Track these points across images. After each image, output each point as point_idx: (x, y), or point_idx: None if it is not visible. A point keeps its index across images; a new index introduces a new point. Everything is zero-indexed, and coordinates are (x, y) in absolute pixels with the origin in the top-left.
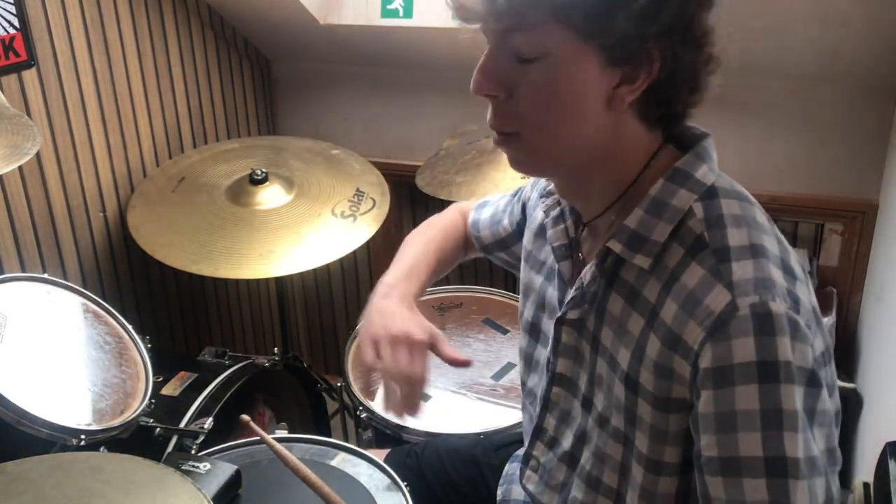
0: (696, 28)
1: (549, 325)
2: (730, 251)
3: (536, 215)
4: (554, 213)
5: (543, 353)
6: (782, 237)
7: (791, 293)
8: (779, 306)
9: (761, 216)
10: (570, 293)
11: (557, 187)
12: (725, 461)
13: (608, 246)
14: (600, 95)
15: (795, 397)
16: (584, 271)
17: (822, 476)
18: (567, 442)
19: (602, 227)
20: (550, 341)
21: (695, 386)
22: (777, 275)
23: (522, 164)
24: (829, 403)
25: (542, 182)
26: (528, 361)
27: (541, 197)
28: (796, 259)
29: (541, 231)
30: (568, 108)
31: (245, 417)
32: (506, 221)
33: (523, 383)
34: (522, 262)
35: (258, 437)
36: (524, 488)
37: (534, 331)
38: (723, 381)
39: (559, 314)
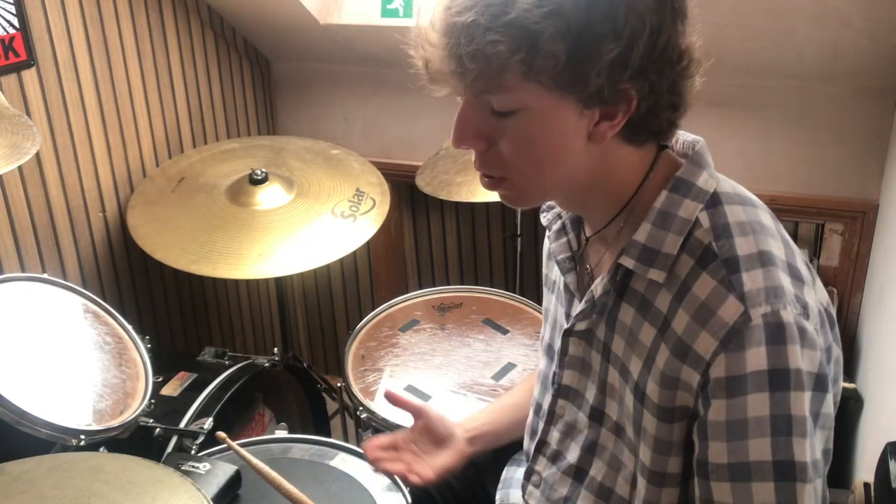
0: (671, 50)
1: (557, 342)
2: (739, 261)
3: (548, 243)
4: (555, 226)
5: (552, 369)
6: (787, 237)
7: (800, 299)
8: (789, 314)
9: (766, 217)
10: (579, 306)
11: (558, 205)
12: (735, 467)
13: (620, 262)
14: (581, 135)
15: (804, 403)
16: (594, 284)
17: (821, 478)
18: (573, 455)
19: (609, 236)
20: (556, 355)
21: (704, 395)
22: (786, 281)
23: (514, 202)
24: (832, 407)
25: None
26: (543, 382)
27: (542, 212)
28: (802, 259)
29: (551, 254)
30: (549, 153)
31: (221, 434)
32: None
33: (539, 405)
34: (546, 293)
35: (258, 438)
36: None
37: (550, 351)
38: (735, 391)
39: (567, 326)
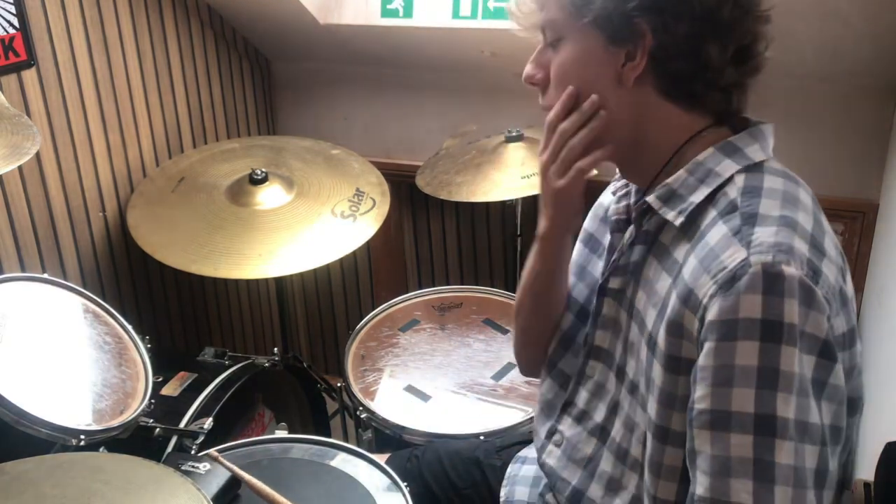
0: (693, 1)
1: (591, 303)
2: (757, 217)
3: (603, 200)
4: (621, 192)
5: (583, 331)
6: (825, 222)
7: (812, 263)
8: (792, 270)
9: (806, 197)
10: (615, 255)
11: (618, 168)
12: (715, 414)
13: (646, 199)
14: (610, 74)
15: (795, 360)
16: (627, 232)
17: (815, 445)
18: (599, 415)
19: None
20: (591, 316)
21: (699, 339)
22: (801, 245)
23: None
24: (844, 382)
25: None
26: (565, 341)
27: (616, 178)
28: (834, 243)
29: (605, 216)
30: (583, 83)
31: (213, 453)
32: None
33: (553, 364)
34: (578, 244)
35: (258, 438)
36: (542, 464)
37: (582, 313)
38: (725, 335)
39: (601, 282)
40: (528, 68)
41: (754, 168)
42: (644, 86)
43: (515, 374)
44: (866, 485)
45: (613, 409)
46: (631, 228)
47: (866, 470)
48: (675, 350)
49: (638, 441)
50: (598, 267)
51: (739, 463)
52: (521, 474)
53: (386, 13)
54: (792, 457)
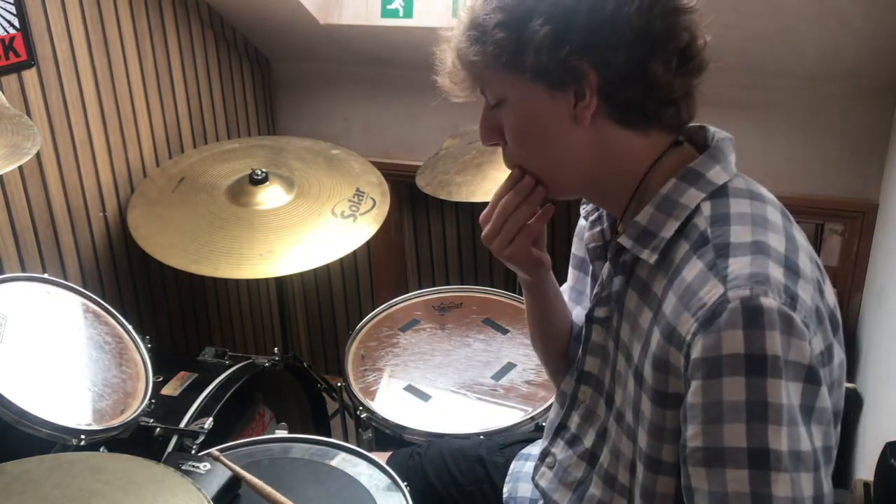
0: (624, 29)
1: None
2: (729, 247)
3: (582, 222)
4: (593, 217)
5: (576, 354)
6: (797, 235)
7: (788, 290)
8: (770, 301)
9: (773, 213)
10: (596, 287)
11: (585, 197)
12: (709, 451)
13: (619, 241)
14: (564, 118)
15: (782, 391)
16: (603, 268)
17: (809, 472)
18: (589, 440)
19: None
20: (582, 341)
21: (685, 376)
22: (776, 271)
23: (546, 193)
24: (829, 401)
25: None
26: (567, 364)
27: (582, 204)
28: (810, 257)
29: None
30: (537, 137)
31: (214, 452)
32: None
33: (557, 385)
34: (570, 269)
35: (258, 438)
36: (536, 485)
37: (580, 337)
38: (711, 372)
39: (587, 311)
40: (482, 135)
41: (718, 193)
42: (600, 118)
43: (515, 375)
44: (866, 485)
45: (602, 435)
46: (608, 265)
47: (866, 470)
48: (661, 385)
49: (625, 468)
50: (586, 286)
51: (737, 498)
52: (525, 471)
53: (386, 13)
54: (789, 488)
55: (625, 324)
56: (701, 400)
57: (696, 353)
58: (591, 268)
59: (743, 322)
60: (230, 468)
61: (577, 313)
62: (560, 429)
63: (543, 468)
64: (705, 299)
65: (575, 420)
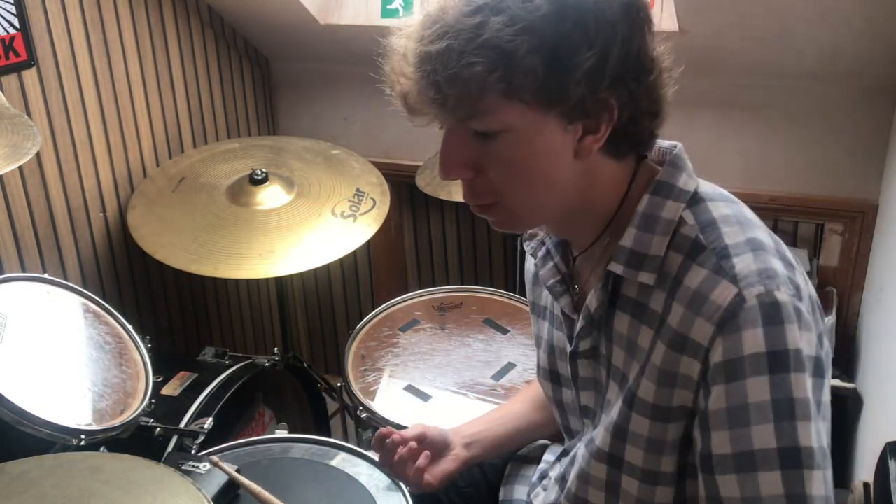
0: (644, 58)
1: (564, 367)
2: (728, 248)
3: (530, 266)
4: (540, 253)
5: (569, 393)
6: (772, 233)
7: (792, 281)
8: (784, 295)
9: (749, 213)
10: (578, 324)
11: (548, 228)
12: (739, 457)
13: (609, 269)
14: (567, 152)
15: (806, 385)
16: (588, 299)
17: (830, 469)
18: (564, 466)
19: (597, 254)
20: (570, 379)
21: (704, 384)
22: (777, 264)
23: (507, 226)
24: (829, 397)
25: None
26: (560, 406)
27: (524, 240)
28: (788, 251)
29: (536, 278)
30: (538, 172)
31: (214, 458)
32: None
33: (562, 421)
34: (535, 319)
35: (258, 438)
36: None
37: (554, 377)
38: (734, 375)
39: (571, 349)
40: (450, 167)
41: (694, 200)
42: (596, 151)
43: (515, 375)
44: (866, 485)
45: (571, 460)
46: (598, 295)
47: (866, 470)
48: (664, 400)
49: (598, 489)
50: (553, 333)
51: (772, 501)
52: (521, 473)
53: (386, 13)
54: (822, 486)
55: (616, 348)
56: (725, 405)
57: (716, 357)
58: (544, 308)
59: (762, 319)
60: (227, 473)
61: (541, 358)
62: (562, 455)
63: (539, 489)
64: (719, 301)
65: (581, 452)
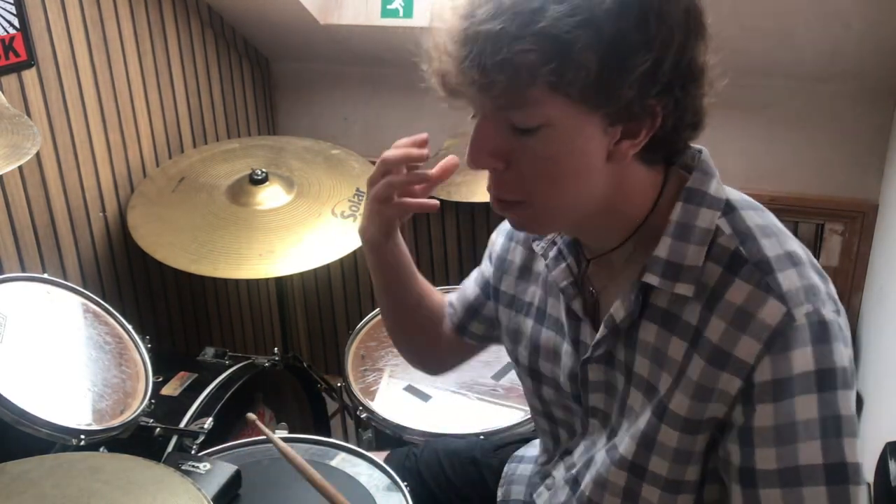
0: (695, 67)
1: (548, 367)
2: (771, 262)
3: (514, 259)
4: (552, 253)
5: (550, 391)
6: (798, 241)
7: (830, 296)
8: (829, 313)
9: (777, 220)
10: (600, 332)
11: (563, 230)
12: (785, 473)
13: (644, 281)
14: (601, 153)
15: (851, 402)
16: (613, 308)
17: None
18: (576, 468)
19: (617, 259)
20: (577, 383)
21: (746, 400)
22: (816, 279)
23: (528, 227)
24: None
25: (506, 226)
26: (541, 399)
27: (533, 241)
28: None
29: (524, 273)
30: (572, 173)
31: (251, 416)
32: (473, 288)
33: (544, 413)
34: (503, 308)
35: (259, 437)
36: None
37: (535, 374)
38: (782, 394)
39: (586, 356)
40: (480, 157)
41: (729, 208)
42: (630, 157)
43: (515, 374)
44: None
45: (587, 463)
46: (627, 305)
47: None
48: (697, 414)
49: (614, 495)
50: (538, 331)
51: None
52: (518, 474)
53: (386, 13)
54: (865, 501)
55: (640, 357)
56: (773, 423)
57: (763, 375)
58: (524, 303)
59: (811, 338)
60: (267, 435)
61: (520, 354)
62: (564, 454)
63: (542, 488)
64: (768, 321)
65: (580, 450)
